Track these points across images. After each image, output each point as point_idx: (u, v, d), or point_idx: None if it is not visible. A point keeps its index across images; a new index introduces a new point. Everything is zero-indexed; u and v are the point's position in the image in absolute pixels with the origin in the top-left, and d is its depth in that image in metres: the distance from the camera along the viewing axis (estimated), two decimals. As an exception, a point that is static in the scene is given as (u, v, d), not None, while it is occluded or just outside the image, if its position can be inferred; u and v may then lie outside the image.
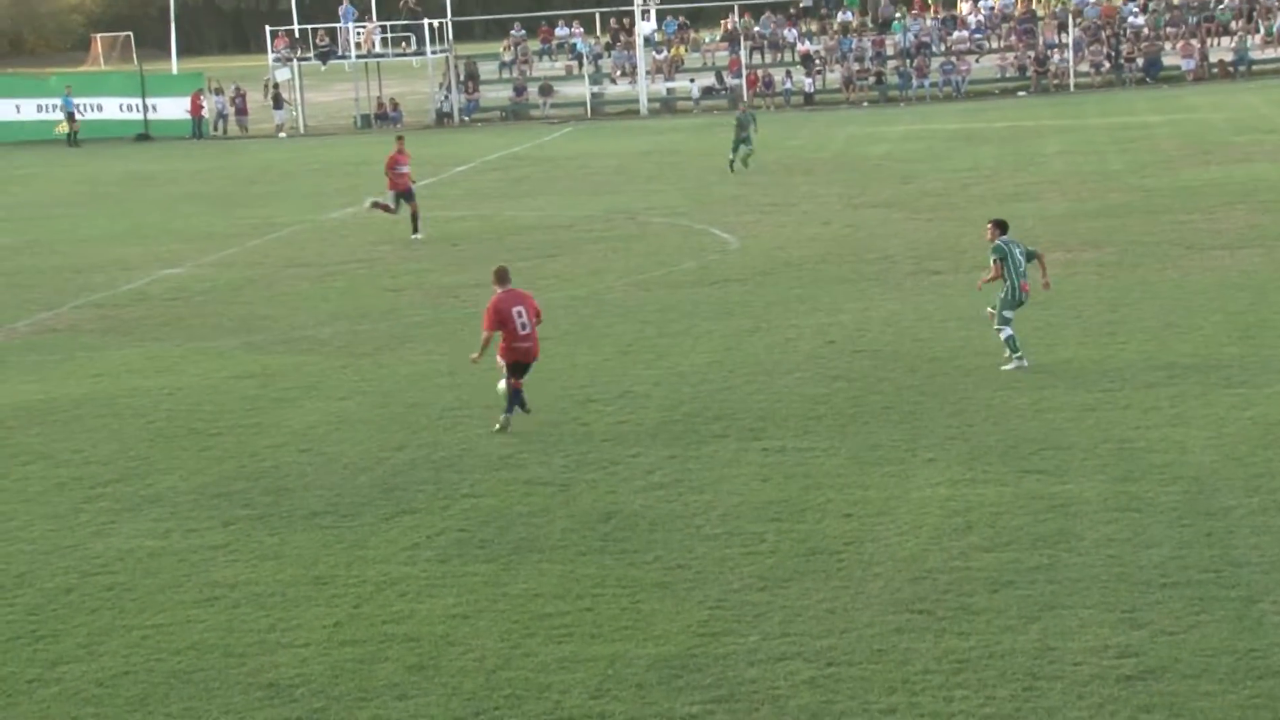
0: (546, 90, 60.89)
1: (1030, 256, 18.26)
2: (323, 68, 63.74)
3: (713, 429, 16.32)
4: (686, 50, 62.98)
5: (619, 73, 62.14)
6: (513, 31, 66.29)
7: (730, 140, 39.69)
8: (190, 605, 12.06)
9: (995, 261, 18.15)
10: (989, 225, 18.63)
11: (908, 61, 58.58)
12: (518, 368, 16.90)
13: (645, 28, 61.04)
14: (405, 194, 31.03)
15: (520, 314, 16.82)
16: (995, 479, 14.02)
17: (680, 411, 17.10)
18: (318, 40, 62.80)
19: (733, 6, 65.03)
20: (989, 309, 18.36)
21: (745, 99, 52.89)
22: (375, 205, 31.35)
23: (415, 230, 30.82)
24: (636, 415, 17.08)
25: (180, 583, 12.56)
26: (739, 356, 19.48)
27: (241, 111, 62.19)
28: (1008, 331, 18.00)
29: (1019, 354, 17.87)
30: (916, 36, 59.63)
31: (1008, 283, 18.00)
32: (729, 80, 59.66)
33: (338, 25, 62.67)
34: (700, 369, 19.05)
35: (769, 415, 16.72)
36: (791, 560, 12.39)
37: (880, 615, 11.17)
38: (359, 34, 61.42)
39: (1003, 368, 17.86)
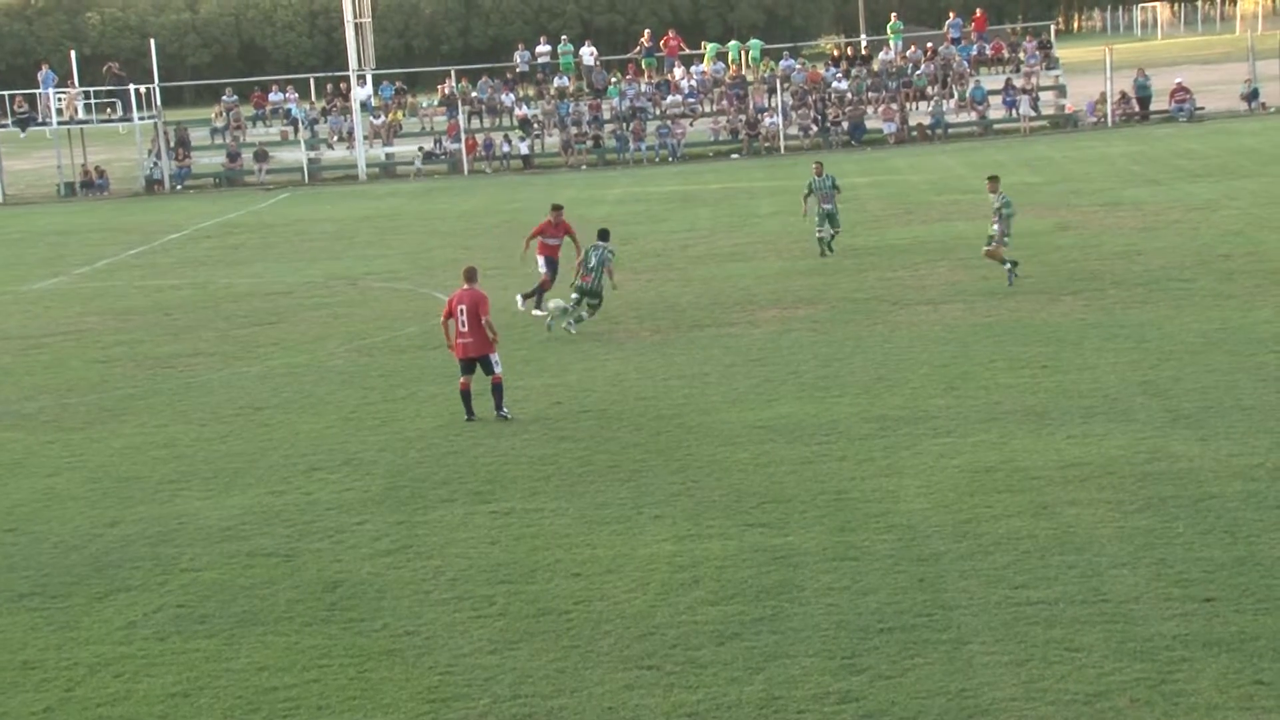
0: (262, 156, 59.88)
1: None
2: (22, 135, 61.31)
3: (440, 493, 16.25)
4: (404, 115, 62.85)
5: (336, 138, 61.59)
6: (224, 97, 65.00)
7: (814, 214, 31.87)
8: (-116, 700, 11.38)
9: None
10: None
11: (624, 125, 59.69)
12: (462, 364, 19.15)
13: (361, 92, 60.70)
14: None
15: (462, 310, 18.91)
16: (720, 533, 14.32)
17: (407, 476, 16.97)
18: (15, 106, 60.44)
19: (449, 71, 65.20)
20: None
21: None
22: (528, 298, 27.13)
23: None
24: (362, 482, 16.88)
25: (-127, 677, 11.83)
26: (466, 420, 19.44)
27: (-67, 180, 59.28)
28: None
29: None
30: (632, 101, 60.83)
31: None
32: (448, 145, 59.75)
33: (37, 91, 60.45)
34: (427, 433, 18.96)
35: (497, 477, 16.74)
36: (521, 622, 12.40)
37: (610, 673, 11.27)
38: (60, 100, 59.35)
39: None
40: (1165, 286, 25.23)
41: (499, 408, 19.22)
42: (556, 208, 28.18)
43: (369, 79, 62.61)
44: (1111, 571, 12.56)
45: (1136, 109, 59.10)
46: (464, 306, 19.07)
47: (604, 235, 25.56)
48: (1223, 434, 16.32)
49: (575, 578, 13.35)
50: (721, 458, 16.97)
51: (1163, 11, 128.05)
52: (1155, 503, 14.22)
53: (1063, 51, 68.74)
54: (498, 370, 19.32)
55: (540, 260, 27.42)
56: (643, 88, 62.01)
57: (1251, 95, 59.28)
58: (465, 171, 58.34)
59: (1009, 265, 26.27)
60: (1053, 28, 72.68)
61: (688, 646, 11.67)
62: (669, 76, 63.19)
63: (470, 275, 19.48)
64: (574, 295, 25.01)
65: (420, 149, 59.90)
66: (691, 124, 60.98)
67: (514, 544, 14.39)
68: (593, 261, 24.90)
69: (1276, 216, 31.18)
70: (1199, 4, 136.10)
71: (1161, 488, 14.65)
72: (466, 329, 19.07)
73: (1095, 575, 12.50)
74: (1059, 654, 11.05)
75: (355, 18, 59.99)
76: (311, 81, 65.34)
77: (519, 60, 65.36)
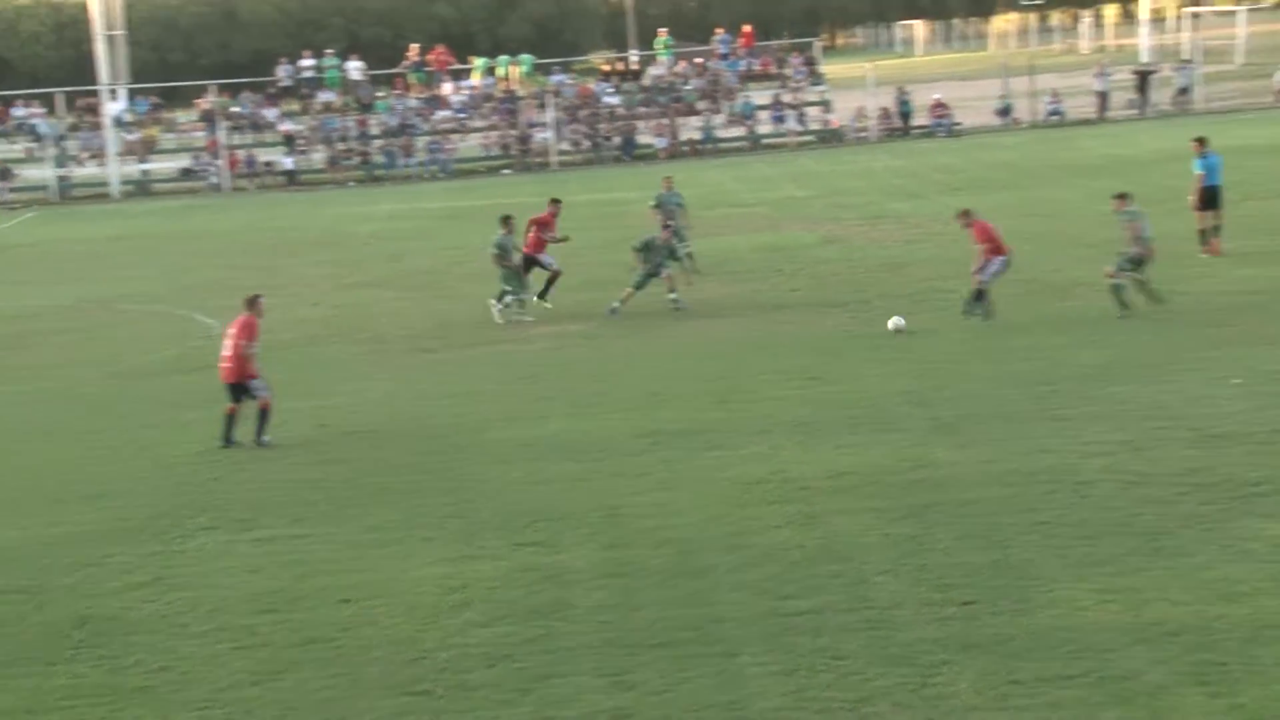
0: (5, 174, 57.66)
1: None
2: None
3: (199, 521, 15.85)
4: (161, 131, 61.24)
5: (87, 155, 59.68)
6: (-37, 112, 62.46)
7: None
8: None
9: None
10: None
11: (393, 141, 59.18)
12: (227, 390, 18.89)
13: (114, 107, 58.96)
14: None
15: (228, 335, 18.80)
16: (491, 553, 14.27)
17: (165, 506, 16.52)
18: None
19: (209, 85, 63.76)
20: None
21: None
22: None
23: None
24: (115, 512, 16.37)
25: None
26: (220, 445, 19.01)
27: None
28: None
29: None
30: (401, 116, 60.37)
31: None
32: (207, 161, 58.40)
33: None
34: (186, 460, 18.49)
35: (261, 504, 16.40)
36: (286, 651, 12.17)
37: (379, 700, 11.14)
38: None
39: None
40: (928, 298, 26.04)
41: (260, 434, 18.84)
42: (555, 201, 28.77)
43: (122, 93, 60.87)
44: (875, 579, 12.90)
45: (898, 124, 60.99)
46: (231, 331, 18.96)
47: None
48: (982, 441, 16.90)
49: (343, 604, 13.16)
50: (494, 477, 16.93)
51: (921, 29, 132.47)
52: (918, 510, 14.64)
53: (827, 68, 70.52)
54: (262, 395, 18.97)
55: (542, 257, 27.55)
56: (411, 103, 61.59)
57: (1005, 111, 61.71)
58: (226, 189, 57.11)
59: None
60: (818, 44, 74.41)
61: (458, 670, 11.60)
62: (438, 91, 62.88)
63: (249, 303, 19.34)
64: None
65: (194, 157, 58.34)
66: (462, 139, 60.79)
67: (278, 571, 14.12)
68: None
69: (1030, 228, 32.46)
70: (954, 22, 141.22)
71: (924, 495, 15.10)
72: (229, 353, 18.81)
73: (860, 583, 12.82)
74: (825, 662, 11.29)
75: (107, 29, 58.33)
76: (59, 96, 63.06)
77: (282, 74, 64.30)
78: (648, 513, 15.26)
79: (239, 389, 18.96)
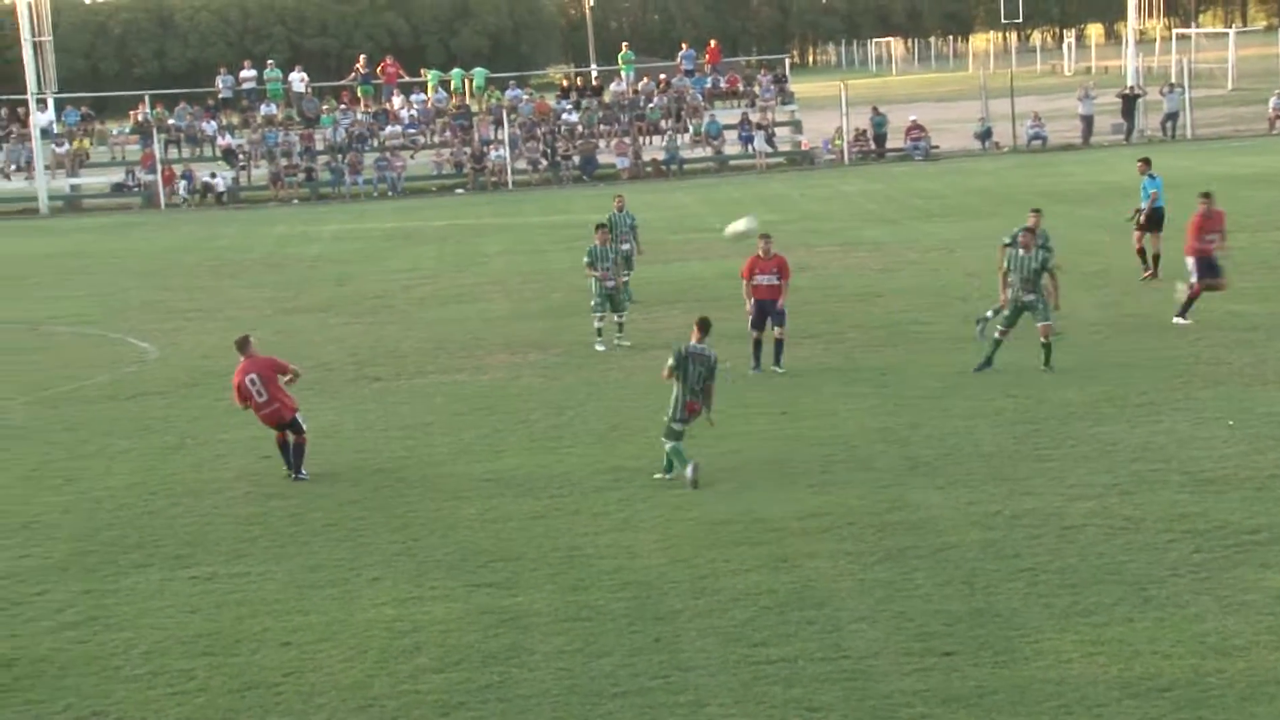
0: (-76, 186, 57.39)
1: (709, 375, 17.96)
2: None
3: (133, 558, 15.76)
4: (92, 143, 61.00)
5: (13, 168, 59.36)
6: (-118, 122, 62.08)
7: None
8: None
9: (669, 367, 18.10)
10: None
11: (339, 157, 59.12)
12: (281, 428, 18.65)
13: (42, 118, 58.69)
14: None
15: (255, 381, 18.35)
16: (444, 595, 14.24)
17: (96, 541, 16.41)
18: None
19: (143, 96, 63.57)
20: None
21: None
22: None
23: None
24: (44, 548, 16.26)
25: None
26: (162, 477, 18.94)
27: None
28: (670, 444, 17.78)
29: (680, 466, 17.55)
30: (348, 131, 60.33)
31: (674, 393, 18.02)
32: (142, 176, 58.19)
33: None
34: (118, 492, 18.38)
35: (198, 540, 16.32)
36: (224, 698, 12.10)
37: (325, 750, 11.09)
38: None
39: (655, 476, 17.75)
40: (904, 330, 26.19)
41: (299, 469, 18.65)
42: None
43: (50, 103, 60.61)
44: (851, 626, 12.93)
45: (873, 146, 61.37)
46: (255, 375, 18.59)
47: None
48: (961, 482, 16.99)
49: (285, 647, 13.09)
50: (446, 514, 16.90)
51: (896, 47, 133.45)
52: (895, 554, 14.70)
53: (798, 86, 70.96)
54: (304, 429, 18.91)
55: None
56: (359, 117, 61.55)
57: (985, 134, 62.17)
58: (161, 205, 56.89)
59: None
60: (787, 61, 74.90)
61: (408, 718, 11.55)
62: (387, 105, 62.89)
63: (243, 345, 19.06)
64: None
65: (130, 171, 58.10)
66: (412, 156, 60.79)
67: (216, 612, 14.04)
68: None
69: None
70: (932, 40, 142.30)
71: (901, 538, 15.16)
72: (265, 398, 18.56)
73: (835, 630, 12.86)
74: (798, 713, 11.31)
75: (34, 36, 58.08)
76: (-19, 105, 62.81)
77: (221, 85, 64.22)
78: (609, 553, 15.26)
79: (289, 425, 18.81)
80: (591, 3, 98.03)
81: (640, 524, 16.21)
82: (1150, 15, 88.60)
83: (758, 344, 23.63)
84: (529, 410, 21.84)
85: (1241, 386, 20.62)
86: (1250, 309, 25.64)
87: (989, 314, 24.08)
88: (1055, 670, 11.83)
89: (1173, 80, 68.27)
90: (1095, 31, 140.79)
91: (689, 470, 17.35)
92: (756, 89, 64.27)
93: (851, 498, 16.59)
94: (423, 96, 63.60)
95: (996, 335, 22.52)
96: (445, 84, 64.37)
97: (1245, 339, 23.57)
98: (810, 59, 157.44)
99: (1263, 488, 16.10)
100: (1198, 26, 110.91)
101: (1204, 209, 25.11)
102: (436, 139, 61.72)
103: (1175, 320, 24.86)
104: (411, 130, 61.79)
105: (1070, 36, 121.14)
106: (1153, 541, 14.61)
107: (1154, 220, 29.54)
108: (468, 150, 59.86)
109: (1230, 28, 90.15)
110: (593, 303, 26.10)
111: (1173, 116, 61.89)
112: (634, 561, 14.98)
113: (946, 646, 12.38)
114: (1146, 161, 30.62)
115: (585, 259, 26.23)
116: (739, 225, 23.53)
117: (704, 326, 18.47)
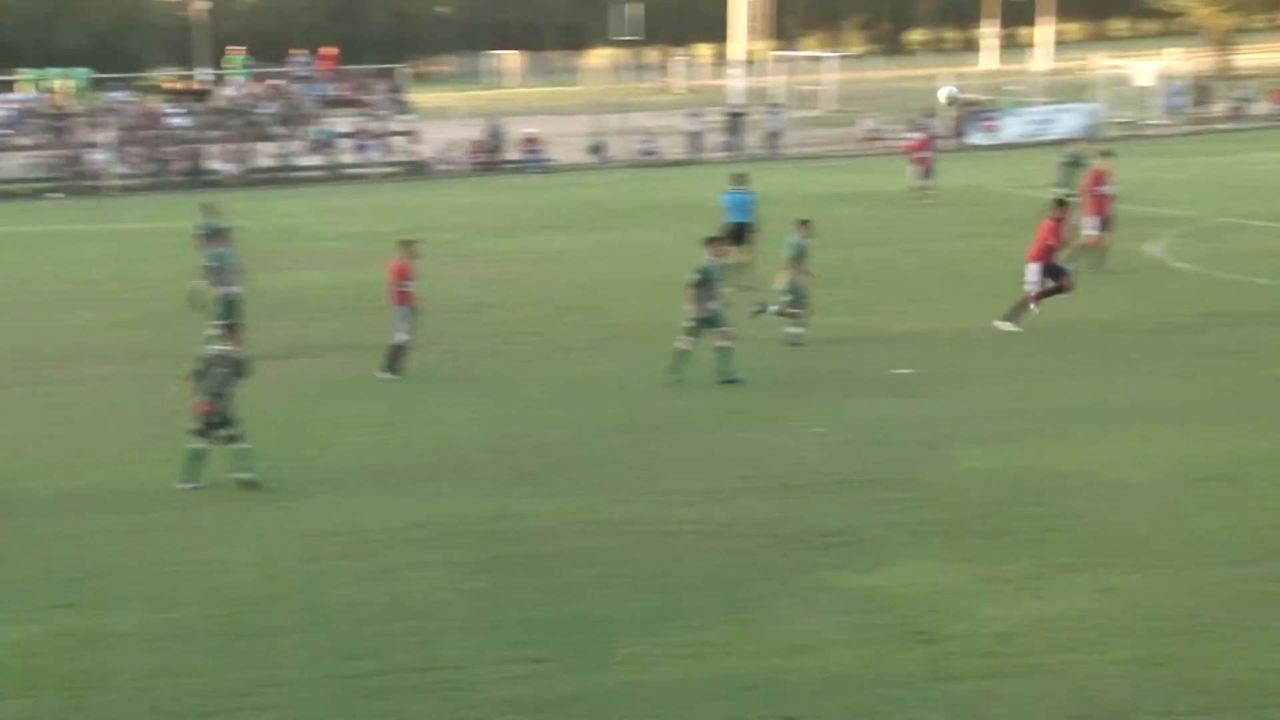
0: None
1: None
2: None
3: None
4: None
5: None
6: None
7: None
8: None
9: None
10: None
11: (-76, 156, 55.87)
12: None
13: None
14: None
15: None
16: (20, 617, 13.59)
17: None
18: None
19: None
20: None
21: None
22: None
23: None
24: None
25: None
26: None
27: None
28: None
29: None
30: (-67, 129, 57.09)
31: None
32: None
33: None
34: None
35: None
36: None
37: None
38: None
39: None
40: (513, 340, 26.38)
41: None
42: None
43: None
44: (448, 637, 12.93)
45: (488, 158, 61.71)
46: None
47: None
48: (564, 491, 17.20)
49: None
50: (28, 530, 16.14)
51: (514, 60, 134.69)
52: (496, 563, 14.77)
53: (416, 96, 70.73)
54: None
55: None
56: (-54, 115, 58.32)
57: (597, 148, 63.36)
58: None
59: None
60: (406, 72, 74.56)
61: (-21, 749, 10.98)
62: (-21, 104, 59.78)
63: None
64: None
65: None
66: (5, 158, 57.94)
67: None
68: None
69: (617, 270, 33.40)
70: (548, 55, 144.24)
71: (503, 547, 15.24)
72: None
73: (432, 642, 12.82)
74: (390, 726, 11.24)
75: None
76: None
77: None
78: (205, 569, 14.85)
79: None
80: (206, 4, 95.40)
81: (238, 538, 15.83)
82: (757, 38, 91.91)
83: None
84: (124, 422, 21.07)
85: (831, 395, 21.54)
86: (842, 320, 26.79)
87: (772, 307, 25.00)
88: (646, 673, 12.09)
89: (775, 100, 71.00)
90: (706, 51, 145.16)
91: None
92: (373, 99, 63.78)
93: (455, 508, 16.60)
94: (16, 97, 60.72)
95: (682, 346, 22.65)
96: (43, 84, 61.60)
97: (836, 350, 24.63)
98: (428, 70, 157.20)
99: (840, 492, 16.84)
100: (800, 50, 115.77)
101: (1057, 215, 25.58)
102: (30, 140, 58.99)
103: (997, 323, 25.24)
104: (6, 131, 58.90)
105: (681, 56, 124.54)
106: (743, 546, 15.10)
107: (738, 234, 30.31)
108: (63, 152, 57.40)
109: (829, 52, 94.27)
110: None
111: (775, 135, 64.38)
112: (229, 577, 14.61)
113: (541, 653, 12.50)
114: (740, 178, 32.29)
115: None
116: (942, 94, 24.03)
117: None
